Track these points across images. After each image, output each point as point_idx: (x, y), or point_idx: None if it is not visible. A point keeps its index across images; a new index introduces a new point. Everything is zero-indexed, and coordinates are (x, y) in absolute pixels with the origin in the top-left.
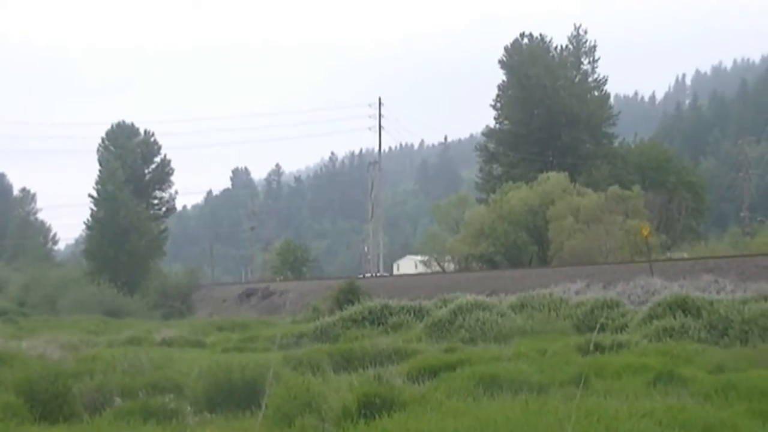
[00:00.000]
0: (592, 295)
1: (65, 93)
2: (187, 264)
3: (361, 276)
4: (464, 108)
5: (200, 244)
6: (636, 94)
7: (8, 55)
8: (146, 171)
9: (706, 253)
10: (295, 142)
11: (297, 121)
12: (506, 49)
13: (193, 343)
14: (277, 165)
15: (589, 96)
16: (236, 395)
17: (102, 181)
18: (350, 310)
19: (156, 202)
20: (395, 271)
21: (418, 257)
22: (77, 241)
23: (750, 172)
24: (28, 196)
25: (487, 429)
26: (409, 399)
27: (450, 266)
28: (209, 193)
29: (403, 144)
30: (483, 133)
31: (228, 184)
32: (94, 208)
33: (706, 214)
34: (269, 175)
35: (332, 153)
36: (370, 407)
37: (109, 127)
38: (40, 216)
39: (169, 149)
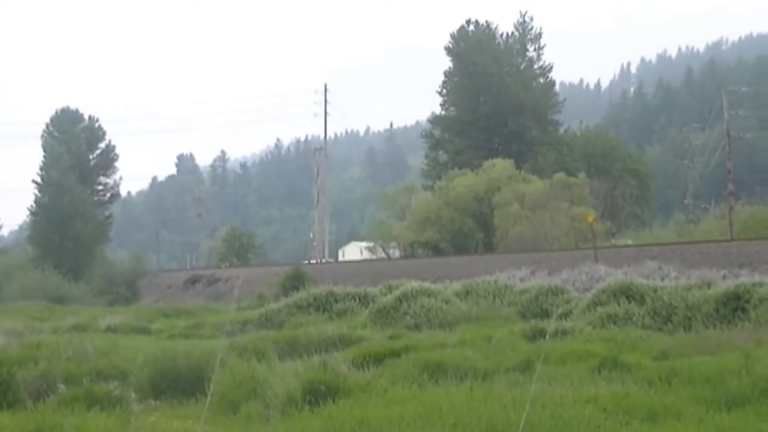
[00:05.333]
0: (537, 282)
1: (8, 78)
2: (132, 250)
3: (307, 262)
4: (410, 94)
5: (145, 230)
6: (581, 81)
7: None
8: (91, 157)
9: (651, 240)
10: (241, 129)
11: (242, 107)
12: (452, 35)
13: (138, 330)
14: (223, 151)
15: (534, 83)
16: (181, 382)
17: (46, 167)
18: (295, 297)
19: (101, 188)
20: (341, 258)
21: (364, 244)
22: (21, 227)
23: (694, 159)
24: None
25: (433, 415)
26: (354, 386)
27: (395, 253)
28: (154, 179)
29: (349, 130)
30: (429, 120)
31: (173, 171)
32: (39, 194)
33: (650, 202)
34: (215, 161)
35: (278, 140)
36: (315, 394)
37: (53, 112)
38: None
39: (113, 135)
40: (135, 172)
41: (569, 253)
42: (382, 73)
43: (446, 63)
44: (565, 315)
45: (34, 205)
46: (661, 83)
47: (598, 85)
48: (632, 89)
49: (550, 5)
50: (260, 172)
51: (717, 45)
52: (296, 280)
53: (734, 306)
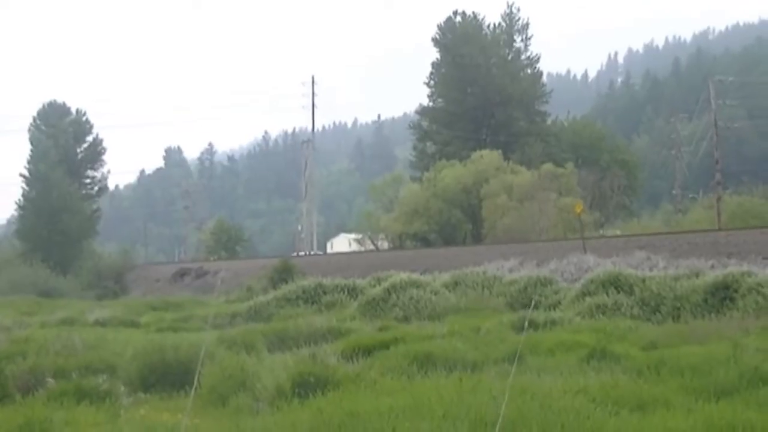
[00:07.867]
0: (525, 273)
1: None
2: (120, 244)
3: (295, 255)
4: (398, 86)
5: (133, 223)
6: (568, 72)
7: None
8: (78, 150)
9: (639, 230)
10: (228, 121)
11: (230, 100)
12: (439, 27)
13: (126, 324)
14: (210, 144)
15: (522, 74)
16: (170, 375)
17: (34, 161)
18: (284, 289)
19: (88, 181)
20: (329, 250)
21: (352, 235)
22: (9, 221)
23: (682, 149)
24: None
25: (422, 407)
26: (344, 378)
27: (384, 245)
28: (142, 172)
29: (337, 122)
30: (417, 111)
31: (161, 164)
32: (26, 188)
33: (639, 192)
34: (202, 154)
35: (266, 132)
36: (305, 386)
37: (40, 106)
38: None
39: (101, 128)
40: (123, 166)
41: (557, 244)
42: (370, 65)
43: (434, 54)
44: (554, 305)
45: (21, 199)
46: (648, 74)
47: (585, 75)
48: (619, 80)
49: None
50: (248, 165)
51: (704, 35)
52: (284, 273)
53: (722, 296)
